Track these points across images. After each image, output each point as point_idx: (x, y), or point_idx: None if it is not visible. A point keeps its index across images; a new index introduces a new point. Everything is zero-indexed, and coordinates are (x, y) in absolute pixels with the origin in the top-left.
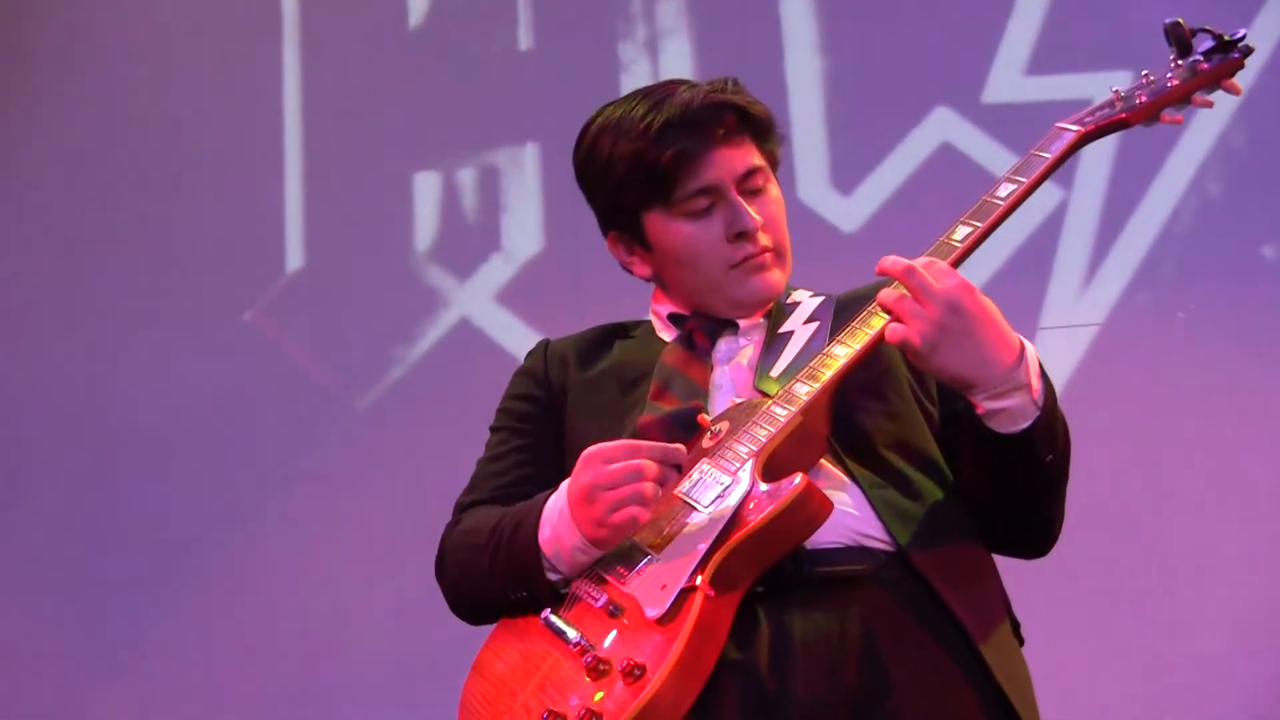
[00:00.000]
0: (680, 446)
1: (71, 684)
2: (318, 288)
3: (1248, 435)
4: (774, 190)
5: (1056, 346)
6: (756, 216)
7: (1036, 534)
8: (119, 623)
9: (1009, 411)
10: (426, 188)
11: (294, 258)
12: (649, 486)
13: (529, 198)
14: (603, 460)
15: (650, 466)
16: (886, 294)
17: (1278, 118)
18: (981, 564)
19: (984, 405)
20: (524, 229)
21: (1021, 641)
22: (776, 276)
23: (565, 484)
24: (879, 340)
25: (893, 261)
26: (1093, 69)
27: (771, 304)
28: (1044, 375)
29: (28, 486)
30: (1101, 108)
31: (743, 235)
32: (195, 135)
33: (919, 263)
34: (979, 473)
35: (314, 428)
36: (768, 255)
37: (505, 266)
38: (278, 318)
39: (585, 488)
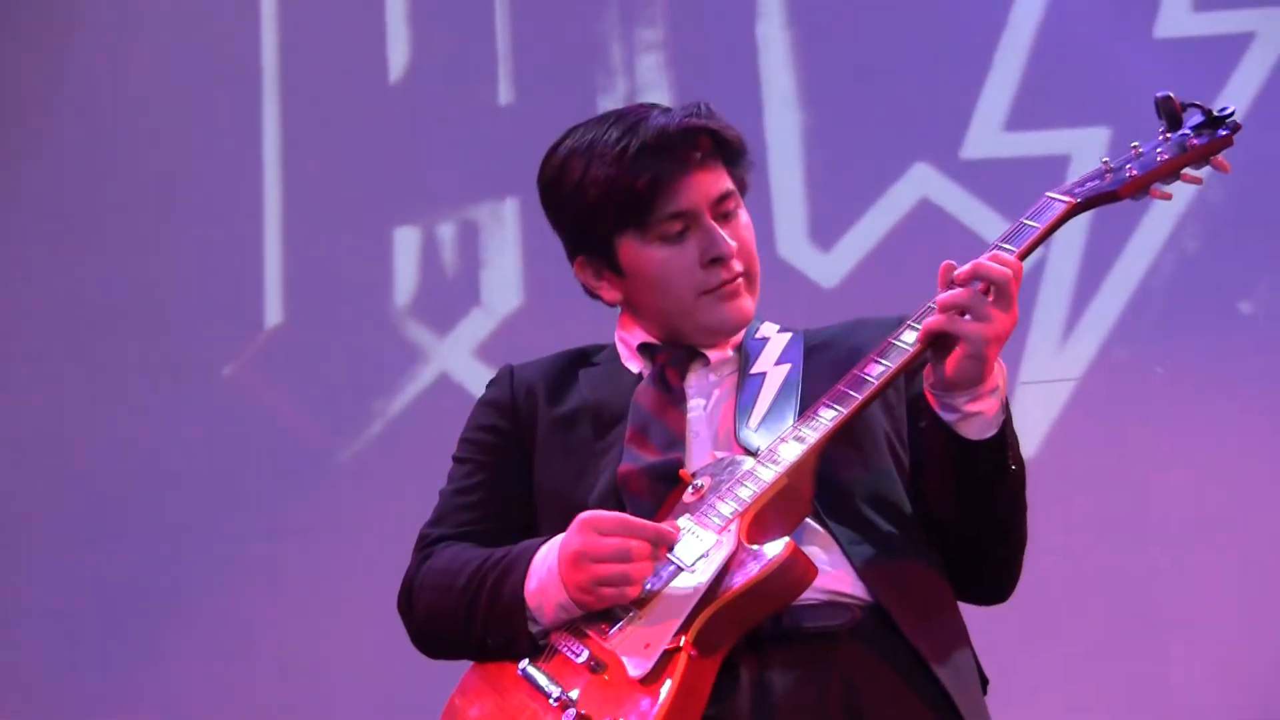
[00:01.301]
0: (673, 529)
1: None
2: (297, 343)
3: (1228, 490)
4: (744, 215)
5: (1034, 402)
6: (731, 242)
7: (1003, 567)
8: (101, 673)
9: (983, 416)
10: (406, 242)
11: (273, 313)
12: (636, 569)
13: (508, 252)
14: (595, 530)
15: (641, 549)
16: (957, 294)
17: (1255, 173)
18: (955, 620)
19: (965, 407)
20: (504, 284)
21: (984, 693)
22: (748, 304)
23: (558, 539)
24: (866, 404)
25: (1000, 267)
26: (1071, 125)
27: (741, 334)
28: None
29: (8, 537)
30: (1090, 179)
31: (717, 261)
32: (175, 189)
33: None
34: (950, 494)
35: (295, 482)
36: (740, 282)
37: (485, 321)
38: (258, 373)
39: (574, 554)
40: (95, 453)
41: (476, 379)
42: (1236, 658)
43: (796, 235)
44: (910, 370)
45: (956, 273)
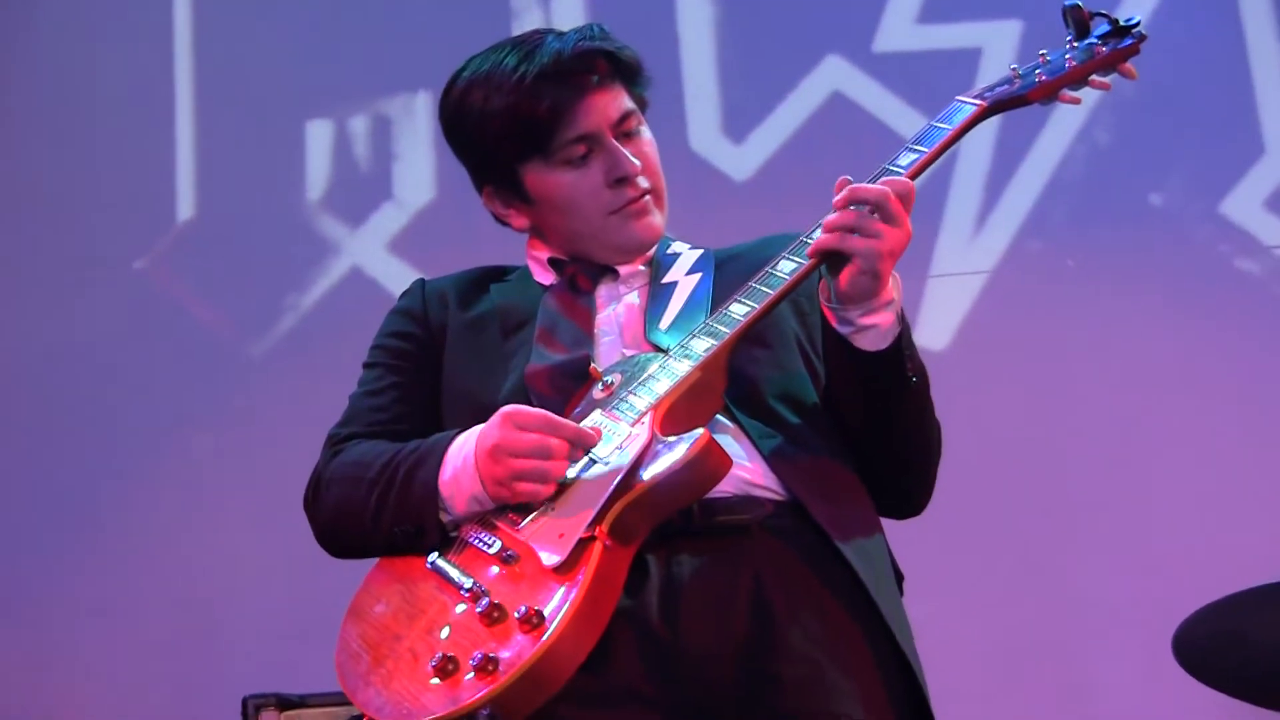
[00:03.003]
0: (595, 431)
1: None
2: (209, 236)
3: (1136, 379)
4: (647, 132)
5: (947, 293)
6: (635, 161)
7: (912, 478)
8: (11, 571)
9: (879, 328)
10: (318, 136)
11: (185, 207)
12: (554, 467)
13: (421, 146)
14: (516, 425)
15: (560, 447)
16: (844, 214)
17: (1167, 66)
18: (869, 516)
19: (860, 320)
20: (416, 178)
21: (901, 592)
22: (657, 220)
23: (475, 430)
24: (783, 296)
25: (876, 187)
26: (983, 18)
27: (652, 249)
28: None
29: None
30: (1000, 84)
31: (622, 180)
32: (85, 83)
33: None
34: (853, 407)
35: (206, 376)
36: (647, 199)
37: (397, 215)
38: (169, 267)
39: (492, 447)
40: (4, 347)
41: (389, 273)
42: (1144, 548)
43: (709, 128)
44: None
45: (835, 199)
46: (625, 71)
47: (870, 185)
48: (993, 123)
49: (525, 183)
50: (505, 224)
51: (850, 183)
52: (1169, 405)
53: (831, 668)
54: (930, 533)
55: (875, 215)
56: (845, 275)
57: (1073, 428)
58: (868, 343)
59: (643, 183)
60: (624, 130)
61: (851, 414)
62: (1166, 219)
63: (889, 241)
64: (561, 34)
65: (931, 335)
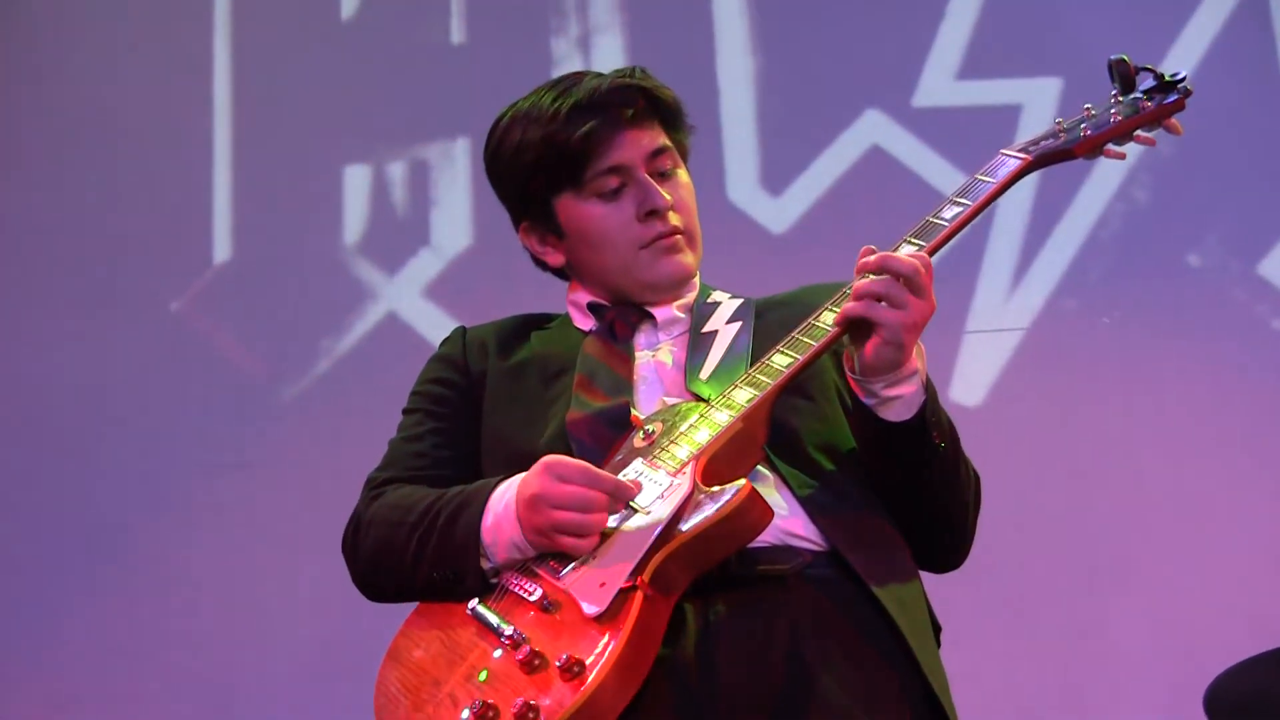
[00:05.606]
0: (635, 484)
1: None
2: (246, 279)
3: (1170, 439)
4: (683, 174)
5: (983, 350)
6: (667, 196)
7: (946, 538)
8: (42, 609)
9: (904, 399)
10: (356, 180)
11: (222, 249)
12: (594, 520)
13: (459, 192)
14: (556, 476)
15: (600, 500)
16: (873, 282)
17: (1205, 126)
18: (908, 566)
19: (884, 392)
20: (453, 223)
21: (938, 645)
22: (688, 258)
23: (517, 479)
24: (824, 349)
25: (908, 260)
26: (1023, 75)
27: (683, 288)
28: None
29: None
30: (1045, 138)
31: (653, 214)
32: (124, 124)
33: (920, 260)
34: (883, 473)
35: (240, 418)
36: (678, 236)
37: (434, 261)
38: (205, 308)
39: (531, 496)
40: (42, 385)
41: (425, 319)
42: (1173, 605)
43: (747, 180)
44: None
45: (864, 260)
46: (663, 111)
47: (902, 257)
48: (1031, 180)
49: (558, 216)
50: (542, 263)
51: (875, 251)
52: (1203, 464)
53: (866, 717)
54: (959, 586)
55: (904, 286)
56: (870, 347)
57: (1106, 485)
58: (893, 414)
59: (674, 219)
60: (658, 168)
61: (882, 479)
62: (1203, 279)
63: (915, 314)
64: (601, 74)
65: (966, 391)
